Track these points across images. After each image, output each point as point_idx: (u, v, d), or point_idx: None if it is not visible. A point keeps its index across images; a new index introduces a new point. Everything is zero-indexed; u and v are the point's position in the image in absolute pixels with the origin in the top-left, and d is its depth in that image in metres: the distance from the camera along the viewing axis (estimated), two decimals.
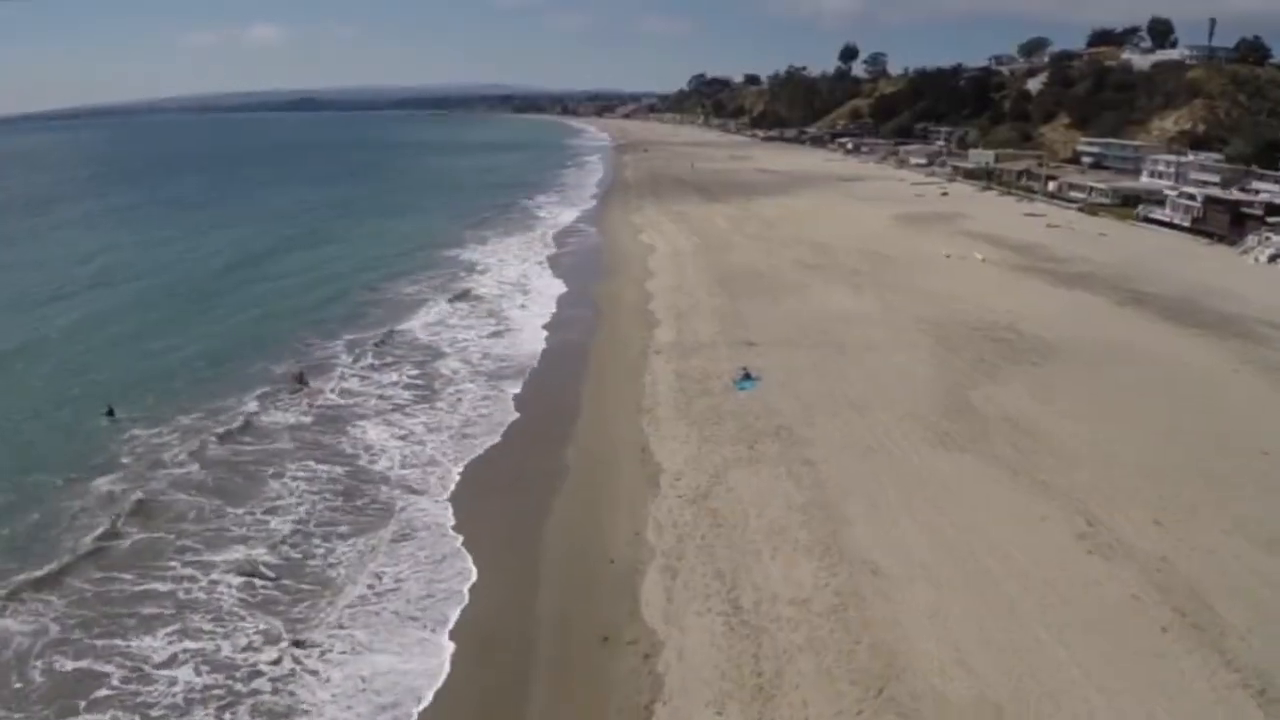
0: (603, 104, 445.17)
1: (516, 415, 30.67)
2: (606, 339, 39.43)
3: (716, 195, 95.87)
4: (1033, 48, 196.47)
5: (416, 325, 42.53)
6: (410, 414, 30.76)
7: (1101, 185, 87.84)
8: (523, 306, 46.19)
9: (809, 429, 26.68)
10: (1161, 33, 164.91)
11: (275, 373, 34.50)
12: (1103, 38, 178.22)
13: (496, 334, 41.31)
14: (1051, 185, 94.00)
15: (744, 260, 56.74)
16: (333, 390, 33.02)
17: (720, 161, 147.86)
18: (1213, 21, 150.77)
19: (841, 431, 26.54)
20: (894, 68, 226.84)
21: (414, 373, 35.24)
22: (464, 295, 48.81)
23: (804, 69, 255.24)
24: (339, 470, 26.16)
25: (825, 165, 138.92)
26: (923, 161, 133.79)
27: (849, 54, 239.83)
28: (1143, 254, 60.77)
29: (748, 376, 31.11)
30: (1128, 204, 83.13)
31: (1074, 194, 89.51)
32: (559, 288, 50.99)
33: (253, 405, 31.06)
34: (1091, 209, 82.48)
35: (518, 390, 33.12)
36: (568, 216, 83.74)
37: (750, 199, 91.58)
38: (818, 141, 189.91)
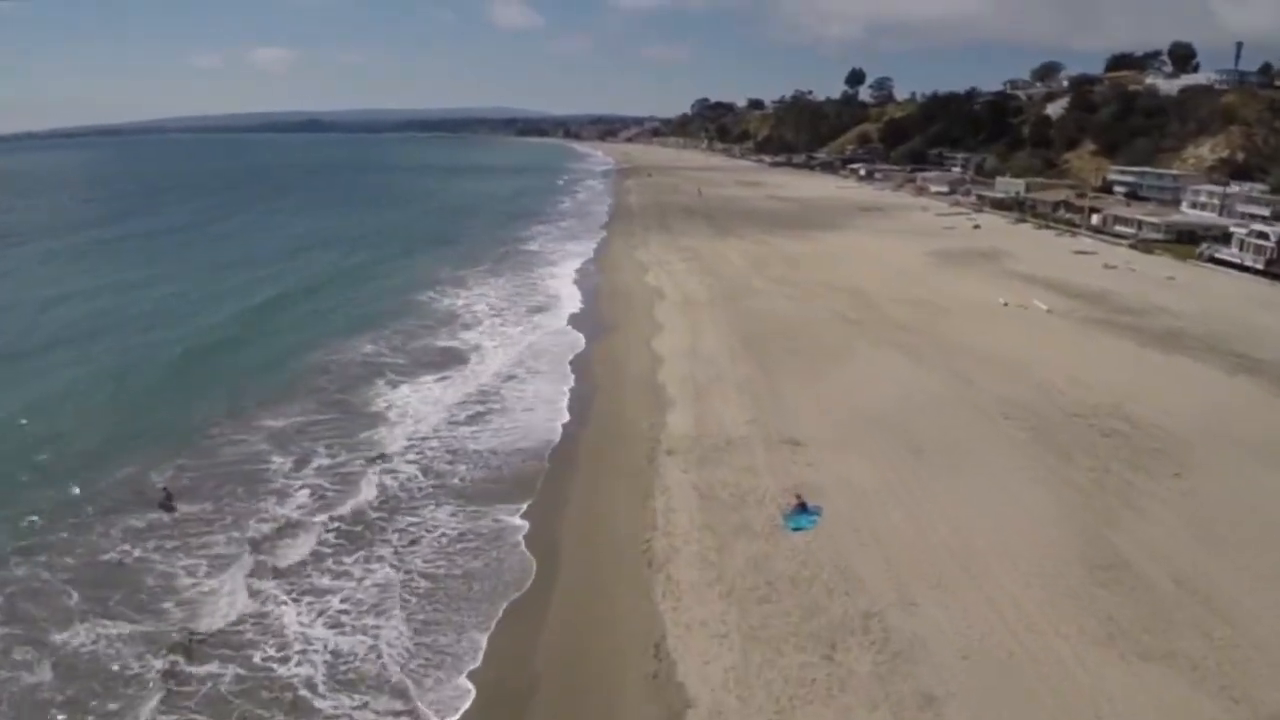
0: (605, 128, 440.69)
1: (528, 575, 21.08)
2: (602, 427, 30.61)
3: (729, 227, 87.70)
4: (1046, 73, 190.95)
5: (373, 404, 33.78)
6: (341, 570, 21.34)
7: (1154, 220, 79.64)
8: (512, 378, 37.14)
9: (909, 617, 17.90)
10: (1183, 57, 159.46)
11: (156, 485, 25.61)
12: (1121, 62, 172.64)
13: (479, 416, 32.42)
14: (1095, 218, 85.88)
15: (769, 311, 48.28)
16: (230, 514, 24.11)
17: (728, 188, 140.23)
18: (1239, 45, 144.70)
19: (957, 619, 17.81)
20: (898, 94, 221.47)
21: (348, 487, 26.20)
22: (441, 363, 39.97)
23: (810, 93, 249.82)
24: (225, 681, 17.20)
25: (840, 192, 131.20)
26: (944, 189, 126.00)
27: (856, 78, 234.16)
28: (1224, 304, 52.45)
29: (804, 507, 22.36)
30: (1182, 240, 75.28)
31: (1120, 228, 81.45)
32: (550, 348, 42.39)
33: (103, 548, 22.11)
34: (1146, 246, 74.26)
35: (519, 525, 23.48)
36: (566, 252, 75.49)
37: (767, 232, 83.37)
38: (828, 167, 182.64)
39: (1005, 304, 50.36)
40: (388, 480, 26.24)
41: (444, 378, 37.15)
